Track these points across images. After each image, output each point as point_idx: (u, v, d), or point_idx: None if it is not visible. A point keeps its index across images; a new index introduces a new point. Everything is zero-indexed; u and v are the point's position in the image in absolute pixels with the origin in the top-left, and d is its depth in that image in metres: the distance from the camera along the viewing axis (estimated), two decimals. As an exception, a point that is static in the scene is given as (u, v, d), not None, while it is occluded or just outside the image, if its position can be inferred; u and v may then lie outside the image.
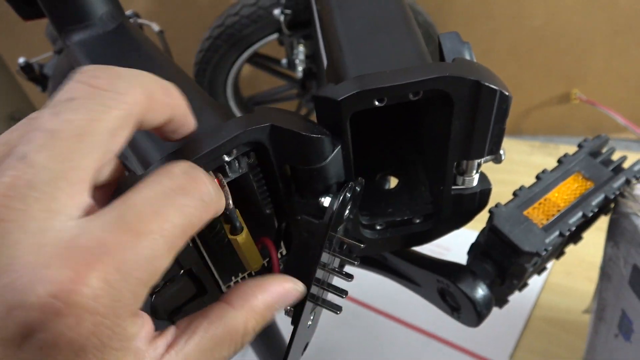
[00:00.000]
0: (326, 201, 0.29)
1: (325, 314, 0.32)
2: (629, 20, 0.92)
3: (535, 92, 1.06)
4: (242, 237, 0.28)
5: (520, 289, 0.38)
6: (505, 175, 0.64)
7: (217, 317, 0.21)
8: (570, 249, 0.66)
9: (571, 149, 0.39)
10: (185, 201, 0.19)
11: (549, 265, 0.78)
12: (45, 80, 0.67)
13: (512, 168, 0.95)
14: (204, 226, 0.20)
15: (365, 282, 0.80)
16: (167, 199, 0.18)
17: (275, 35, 0.86)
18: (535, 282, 0.74)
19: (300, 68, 0.84)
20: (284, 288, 0.24)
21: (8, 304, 0.14)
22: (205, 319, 0.21)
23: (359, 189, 0.30)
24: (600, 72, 0.99)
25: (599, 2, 0.91)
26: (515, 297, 0.78)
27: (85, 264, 0.15)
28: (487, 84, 0.26)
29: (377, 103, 0.27)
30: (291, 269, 0.28)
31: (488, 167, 0.37)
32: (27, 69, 0.66)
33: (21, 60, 0.67)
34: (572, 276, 0.74)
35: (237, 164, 0.27)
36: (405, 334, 0.73)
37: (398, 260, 0.40)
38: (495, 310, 0.77)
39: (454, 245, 0.84)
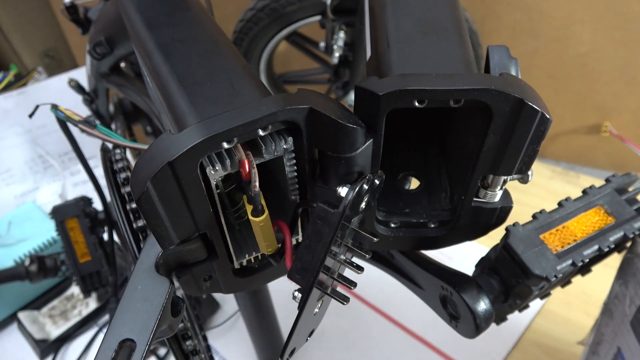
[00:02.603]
0: (343, 191, 0.29)
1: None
2: (676, 62, 0.90)
3: (566, 119, 1.05)
4: (262, 220, 0.28)
5: (521, 310, 0.39)
6: (521, 196, 0.64)
7: None
8: (574, 279, 0.65)
9: (591, 180, 0.39)
10: None
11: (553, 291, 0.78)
12: (88, 24, 0.67)
13: (530, 190, 0.94)
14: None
15: (363, 276, 0.81)
16: None
17: (317, 17, 0.85)
18: (532, 305, 0.74)
19: (337, 54, 0.84)
20: None
21: None
22: None
23: (378, 182, 0.30)
24: (635, 110, 0.98)
25: (649, 39, 0.89)
26: (510, 316, 0.78)
27: None
28: (530, 103, 0.26)
29: (417, 104, 0.27)
30: (302, 256, 0.28)
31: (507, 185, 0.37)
32: (71, 9, 0.67)
33: (67, 0, 0.67)
34: (570, 306, 0.74)
35: (273, 146, 0.27)
36: (393, 332, 0.74)
37: (406, 260, 0.40)
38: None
39: (457, 254, 0.84)
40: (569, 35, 0.94)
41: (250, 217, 0.28)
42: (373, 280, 0.79)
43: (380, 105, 0.27)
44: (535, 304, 0.74)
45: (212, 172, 0.26)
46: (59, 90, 1.01)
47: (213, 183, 0.27)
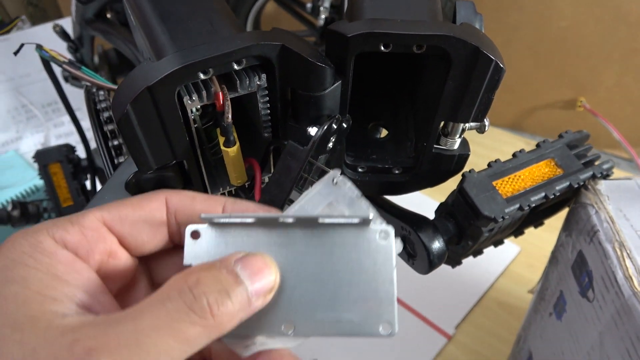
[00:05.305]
0: (313, 130, 0.31)
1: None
2: (651, 41, 0.93)
3: (544, 93, 1.08)
4: (233, 151, 0.31)
5: (475, 254, 0.42)
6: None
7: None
8: (536, 244, 0.68)
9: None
10: None
11: (514, 251, 0.81)
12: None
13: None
14: None
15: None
16: None
17: (305, -22, 0.86)
18: (496, 266, 0.78)
19: (323, 16, 0.85)
20: None
21: None
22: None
23: (345, 125, 0.32)
24: (610, 86, 1.01)
25: (626, 19, 0.91)
26: (474, 276, 0.82)
27: None
28: (485, 52, 0.28)
29: (382, 48, 0.29)
30: (270, 189, 0.31)
31: (478, 153, 0.39)
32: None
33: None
34: (532, 269, 0.78)
35: (247, 81, 0.29)
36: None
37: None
38: (452, 282, 0.82)
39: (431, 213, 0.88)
40: (551, 9, 0.96)
41: (222, 148, 0.30)
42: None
43: (349, 47, 0.29)
44: (499, 265, 0.78)
45: (189, 101, 0.28)
46: (43, 39, 0.99)
47: (190, 113, 0.29)
